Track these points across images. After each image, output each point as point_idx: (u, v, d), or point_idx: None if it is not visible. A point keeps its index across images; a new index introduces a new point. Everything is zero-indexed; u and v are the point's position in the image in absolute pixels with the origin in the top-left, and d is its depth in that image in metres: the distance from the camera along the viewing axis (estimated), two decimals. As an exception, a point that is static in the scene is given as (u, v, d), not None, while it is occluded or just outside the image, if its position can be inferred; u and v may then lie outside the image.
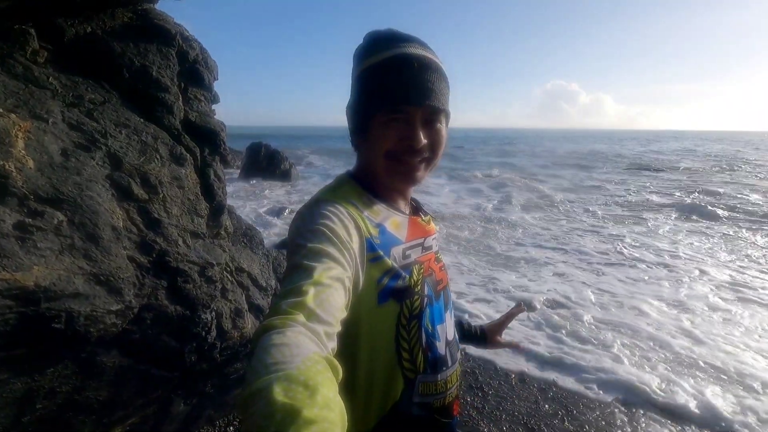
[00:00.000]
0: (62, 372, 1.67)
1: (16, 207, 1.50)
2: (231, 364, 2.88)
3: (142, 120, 2.21)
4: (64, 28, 2.21)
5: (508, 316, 1.12)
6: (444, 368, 0.81)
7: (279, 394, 0.37)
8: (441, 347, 0.81)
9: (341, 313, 0.58)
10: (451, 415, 0.84)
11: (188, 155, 2.31)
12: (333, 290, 0.57)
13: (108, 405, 1.99)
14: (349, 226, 0.69)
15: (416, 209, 0.90)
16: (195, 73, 2.60)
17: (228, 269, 2.68)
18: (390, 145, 0.75)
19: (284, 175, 15.14)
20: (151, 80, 2.37)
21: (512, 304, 1.57)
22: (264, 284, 2.91)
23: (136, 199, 1.88)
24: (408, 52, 0.75)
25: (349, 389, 0.71)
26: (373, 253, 0.72)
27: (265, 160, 15.55)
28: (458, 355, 0.88)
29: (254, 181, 14.40)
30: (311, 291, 0.54)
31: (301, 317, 0.50)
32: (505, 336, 1.14)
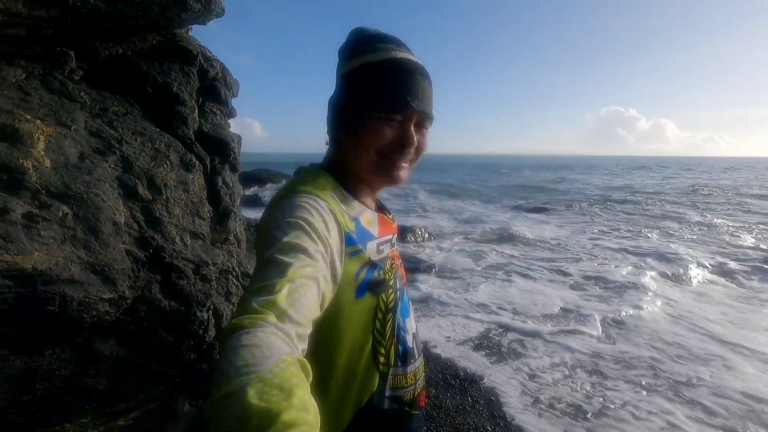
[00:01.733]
0: (60, 355, 1.80)
1: (28, 200, 1.67)
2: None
3: (158, 130, 2.41)
4: (98, 50, 2.50)
5: None
6: (412, 360, 0.83)
7: (253, 397, 0.37)
8: (409, 340, 0.83)
9: (313, 313, 0.57)
10: (418, 407, 0.85)
11: (198, 162, 2.46)
12: (306, 289, 0.56)
13: (108, 394, 2.10)
14: (328, 219, 0.68)
15: (381, 207, 0.92)
16: (213, 90, 2.81)
17: (234, 273, 2.79)
18: (384, 142, 0.76)
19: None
20: (171, 95, 2.59)
21: None
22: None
23: (141, 199, 2.03)
24: (408, 57, 0.77)
25: (325, 385, 0.70)
26: (352, 247, 0.72)
27: None
28: (421, 348, 0.91)
29: None
30: (284, 289, 0.53)
31: (272, 317, 0.49)
32: None
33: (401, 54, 0.77)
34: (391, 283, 0.78)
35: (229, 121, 2.99)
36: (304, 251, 0.60)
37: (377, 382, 0.77)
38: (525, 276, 6.78)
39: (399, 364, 0.80)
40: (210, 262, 2.15)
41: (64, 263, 1.65)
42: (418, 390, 0.84)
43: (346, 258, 0.70)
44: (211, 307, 2.31)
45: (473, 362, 4.11)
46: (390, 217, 0.92)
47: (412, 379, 0.82)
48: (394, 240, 0.87)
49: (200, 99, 2.74)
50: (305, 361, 0.45)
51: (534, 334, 4.66)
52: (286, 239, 0.60)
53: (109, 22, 2.55)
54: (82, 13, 2.28)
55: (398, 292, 0.80)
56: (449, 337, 4.74)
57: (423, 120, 0.80)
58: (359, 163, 0.79)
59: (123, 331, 1.96)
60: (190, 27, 3.26)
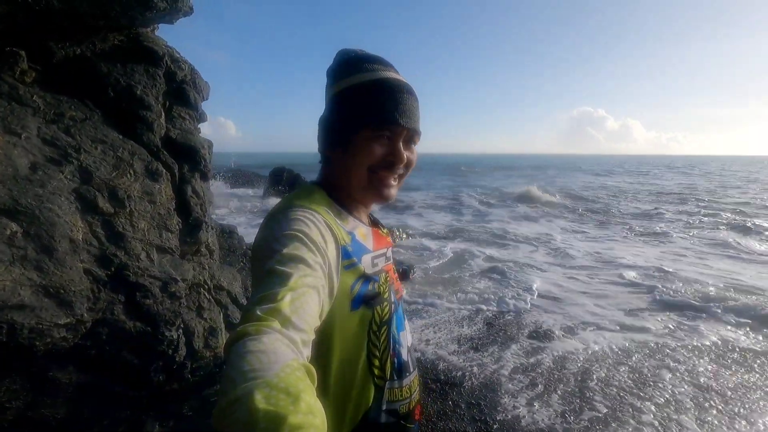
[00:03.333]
0: (10, 386, 1.64)
1: (-30, 217, 1.51)
2: (210, 386, 2.81)
3: (120, 137, 2.25)
4: (53, 50, 2.32)
5: None
6: (407, 374, 0.84)
7: (260, 401, 0.36)
8: (404, 353, 0.84)
9: (315, 321, 0.57)
10: (413, 420, 0.86)
11: (165, 171, 2.32)
12: (308, 297, 0.56)
13: (67, 423, 1.94)
14: (325, 232, 0.69)
15: (375, 222, 0.93)
16: (181, 93, 2.66)
17: (206, 287, 2.65)
18: (374, 160, 0.78)
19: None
20: (135, 99, 2.43)
21: None
22: (246, 303, 2.86)
23: (101, 213, 1.88)
24: (395, 77, 0.81)
25: (322, 399, 0.68)
26: (348, 260, 0.72)
27: (287, 184, 15.89)
28: (416, 361, 0.92)
29: (273, 201, 14.72)
30: (287, 297, 0.53)
31: (276, 324, 0.49)
32: None
33: (388, 74, 0.80)
34: (386, 296, 0.79)
35: (199, 125, 2.84)
36: (303, 261, 0.60)
37: (373, 395, 0.77)
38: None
39: (395, 377, 0.80)
40: (179, 279, 2.02)
41: (12, 287, 1.50)
42: (413, 403, 0.85)
43: (342, 270, 0.71)
44: (181, 326, 2.17)
45: (453, 364, 4.10)
46: (384, 231, 0.92)
47: (407, 392, 0.83)
48: (388, 254, 0.87)
49: (167, 103, 2.59)
50: (310, 366, 0.46)
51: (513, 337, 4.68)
52: (285, 251, 0.61)
53: (64, 20, 2.37)
54: (34, 11, 2.10)
55: (393, 306, 0.81)
56: (428, 340, 4.72)
57: (411, 136, 0.82)
58: (350, 180, 0.81)
59: (83, 357, 1.81)
60: (156, 26, 3.09)
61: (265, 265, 0.60)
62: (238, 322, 0.52)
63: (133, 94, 2.43)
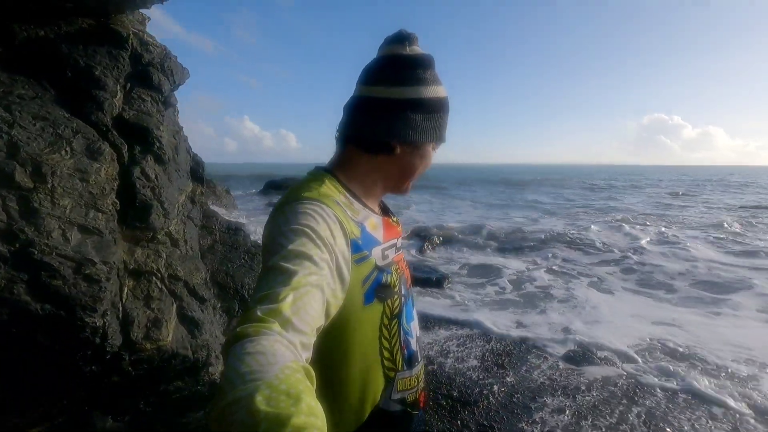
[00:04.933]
0: None
1: None
2: (165, 382, 2.67)
3: (67, 115, 2.19)
4: (15, 32, 2.33)
5: None
6: (416, 363, 0.84)
7: (261, 403, 0.36)
8: (414, 344, 0.84)
9: (318, 322, 0.56)
10: (419, 407, 0.87)
11: (111, 151, 2.22)
12: (311, 297, 0.55)
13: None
14: (333, 227, 0.67)
15: (385, 210, 0.91)
16: (145, 75, 2.59)
17: (158, 275, 2.52)
18: (413, 172, 0.83)
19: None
20: (92, 79, 2.38)
21: None
22: (206, 296, 2.70)
23: (18, 187, 1.79)
24: (445, 94, 0.82)
25: (336, 392, 0.72)
26: (358, 254, 0.71)
27: None
28: (423, 349, 0.90)
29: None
30: (289, 298, 0.52)
31: (276, 326, 0.49)
32: None
33: (442, 90, 0.81)
34: (396, 288, 0.78)
35: (168, 110, 2.75)
36: (308, 259, 0.59)
37: (384, 386, 0.77)
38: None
39: (405, 368, 0.80)
40: (98, 261, 1.87)
41: None
42: (419, 391, 0.86)
43: (354, 265, 0.69)
44: (109, 313, 2.03)
45: (470, 380, 3.66)
46: (394, 220, 0.90)
47: (415, 381, 0.83)
48: (398, 244, 0.86)
49: (128, 84, 2.51)
50: (310, 368, 0.45)
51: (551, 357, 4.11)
52: (290, 247, 0.59)
53: (30, 2, 2.38)
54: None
55: (403, 297, 0.81)
56: (449, 352, 4.30)
57: None
58: (379, 181, 0.82)
59: (-14, 337, 1.71)
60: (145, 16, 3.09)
61: (270, 260, 0.59)
62: (237, 321, 0.51)
63: (91, 75, 2.39)
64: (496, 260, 7.79)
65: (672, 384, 3.52)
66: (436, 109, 0.79)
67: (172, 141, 2.67)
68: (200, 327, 2.60)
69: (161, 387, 2.69)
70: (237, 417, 0.36)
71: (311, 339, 0.53)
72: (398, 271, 0.80)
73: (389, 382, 0.77)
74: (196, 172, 3.93)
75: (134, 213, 2.31)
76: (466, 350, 4.48)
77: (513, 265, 7.48)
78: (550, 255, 8.18)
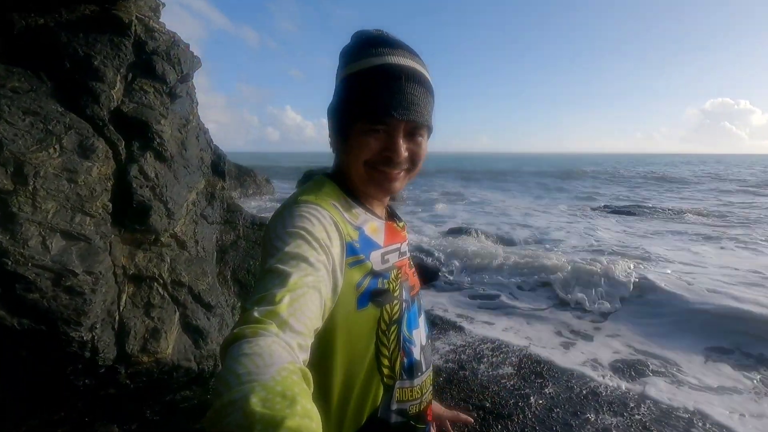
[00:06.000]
0: None
1: None
2: (175, 391, 2.52)
3: (60, 110, 2.03)
4: (14, 21, 2.20)
5: (453, 418, 1.03)
6: (419, 373, 0.81)
7: (256, 404, 0.36)
8: (416, 352, 0.81)
9: (315, 323, 0.56)
10: (425, 421, 0.84)
11: (107, 148, 2.05)
12: (308, 298, 0.55)
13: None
14: (330, 229, 0.66)
15: (391, 215, 0.89)
16: (149, 64, 2.39)
17: (160, 281, 2.35)
18: (369, 155, 0.74)
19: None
20: (91, 70, 2.21)
21: None
22: (212, 302, 2.51)
23: (-4, 190, 1.63)
24: (395, 63, 0.73)
25: (323, 399, 0.70)
26: (353, 257, 0.70)
27: None
28: (431, 360, 0.88)
29: None
30: (286, 299, 0.52)
31: (273, 327, 0.48)
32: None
33: (393, 59, 0.73)
34: (396, 293, 0.76)
35: (176, 101, 2.56)
36: (305, 260, 0.59)
37: (381, 395, 0.75)
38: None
39: (405, 377, 0.78)
40: (80, 272, 1.69)
41: None
42: (425, 403, 0.83)
43: (347, 268, 0.68)
44: (99, 325, 1.87)
45: (506, 390, 3.31)
46: (400, 225, 0.88)
47: (418, 392, 0.81)
48: (403, 248, 0.83)
49: (129, 75, 2.33)
50: (307, 370, 0.45)
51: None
52: (287, 249, 0.60)
53: (29, -11, 2.24)
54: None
55: (405, 303, 0.78)
56: (483, 356, 3.94)
57: (414, 129, 0.75)
58: (352, 173, 0.77)
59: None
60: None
61: (267, 262, 0.59)
62: (235, 323, 0.49)
63: (90, 65, 2.22)
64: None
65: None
66: (348, 88, 0.76)
67: (177, 135, 2.47)
68: (206, 336, 2.43)
69: (167, 397, 2.56)
70: (232, 418, 0.35)
71: (309, 340, 0.53)
72: (399, 276, 0.78)
73: (387, 390, 0.76)
74: (218, 165, 3.76)
75: (132, 215, 2.13)
76: (502, 355, 4.12)
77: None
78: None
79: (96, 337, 1.87)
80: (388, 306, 0.74)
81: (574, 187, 23.75)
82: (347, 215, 0.74)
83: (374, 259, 0.74)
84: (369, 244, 0.74)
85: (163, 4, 3.13)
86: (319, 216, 0.66)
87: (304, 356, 0.51)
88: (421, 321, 0.86)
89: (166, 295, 2.31)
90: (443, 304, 5.42)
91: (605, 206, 14.30)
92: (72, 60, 2.22)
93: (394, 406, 0.76)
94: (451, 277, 6.25)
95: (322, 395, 0.69)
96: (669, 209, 13.32)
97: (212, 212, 3.29)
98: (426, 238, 8.25)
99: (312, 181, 0.79)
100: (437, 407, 1.02)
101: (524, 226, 10.62)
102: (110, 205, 1.97)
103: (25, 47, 2.21)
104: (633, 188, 23.37)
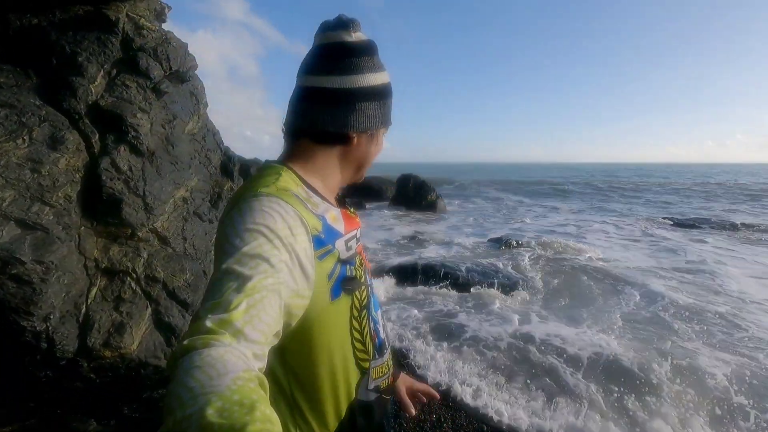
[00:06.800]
0: None
1: None
2: (152, 389, 2.49)
3: (38, 103, 2.08)
4: (10, 22, 2.31)
5: (421, 392, 1.02)
6: (385, 350, 0.84)
7: (213, 416, 0.34)
8: (381, 331, 0.84)
9: (275, 328, 0.53)
10: (392, 392, 0.89)
11: (80, 140, 2.06)
12: (266, 303, 0.52)
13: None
14: (293, 224, 0.62)
15: (342, 202, 0.88)
16: (134, 60, 2.42)
17: (133, 276, 2.33)
18: (369, 158, 0.81)
19: (430, 207, 14.83)
20: (75, 65, 2.26)
21: None
22: (189, 300, 2.45)
23: (-46, 177, 1.66)
24: (389, 79, 0.81)
25: (312, 392, 0.71)
26: (322, 249, 0.67)
27: (413, 191, 15.52)
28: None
29: (399, 211, 14.25)
30: (242, 305, 0.49)
31: (226, 337, 0.46)
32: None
33: (387, 75, 0.79)
34: (362, 279, 0.77)
35: (164, 97, 2.57)
36: (266, 261, 0.55)
37: (360, 378, 0.76)
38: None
39: (377, 356, 0.80)
40: (28, 261, 1.68)
41: None
42: (391, 376, 0.85)
43: (317, 261, 0.65)
44: (54, 316, 1.85)
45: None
46: (351, 211, 0.87)
47: (386, 367, 0.83)
48: (358, 235, 0.83)
49: (114, 71, 2.36)
50: (263, 377, 0.43)
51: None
52: (245, 248, 0.56)
53: (27, -9, 2.35)
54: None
55: (369, 288, 0.80)
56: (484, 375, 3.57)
57: None
58: (337, 172, 0.79)
59: None
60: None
61: (224, 262, 0.55)
62: (185, 332, 0.46)
63: (74, 62, 2.27)
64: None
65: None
66: (385, 95, 0.79)
67: (159, 131, 2.47)
68: (179, 334, 2.37)
69: (144, 394, 2.53)
70: None
71: (265, 349, 0.50)
72: (362, 262, 0.80)
73: (364, 373, 0.77)
74: (227, 167, 3.78)
75: (103, 207, 2.13)
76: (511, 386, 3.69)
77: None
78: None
79: (51, 328, 1.86)
80: (357, 292, 0.74)
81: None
82: (309, 205, 0.71)
83: (340, 248, 0.72)
84: (332, 234, 0.72)
85: (169, 7, 3.20)
86: (281, 210, 0.63)
87: (260, 365, 0.49)
88: (378, 301, 0.88)
89: (138, 290, 2.29)
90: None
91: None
92: (59, 57, 2.29)
93: (371, 385, 0.78)
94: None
95: (308, 390, 0.69)
96: None
97: (210, 211, 3.28)
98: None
99: (265, 170, 0.74)
100: (406, 378, 1.02)
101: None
102: (73, 195, 1.97)
103: (18, 46, 2.31)
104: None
